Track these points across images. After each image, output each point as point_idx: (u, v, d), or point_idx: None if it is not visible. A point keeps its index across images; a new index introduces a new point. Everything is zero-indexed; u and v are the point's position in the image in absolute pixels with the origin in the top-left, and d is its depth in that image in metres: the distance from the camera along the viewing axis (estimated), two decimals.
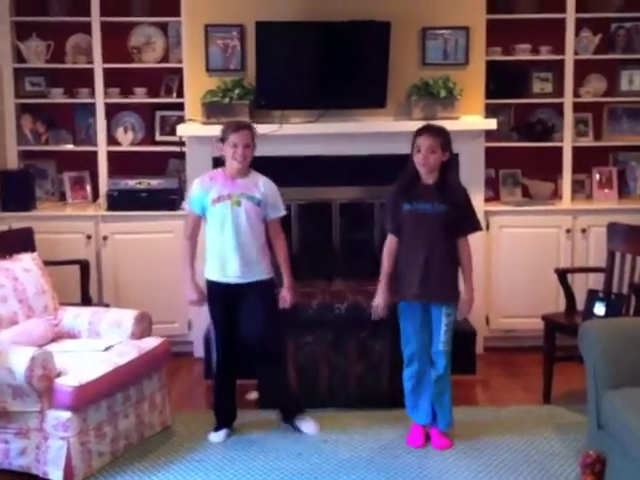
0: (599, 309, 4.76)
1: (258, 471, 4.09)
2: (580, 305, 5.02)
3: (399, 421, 4.50)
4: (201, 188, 4.38)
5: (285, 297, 4.45)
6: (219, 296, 4.40)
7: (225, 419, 4.52)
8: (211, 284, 4.41)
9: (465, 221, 4.26)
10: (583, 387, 3.98)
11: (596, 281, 5.33)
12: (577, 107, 6.01)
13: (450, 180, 4.28)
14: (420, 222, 4.19)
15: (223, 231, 4.31)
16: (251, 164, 4.39)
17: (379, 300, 4.28)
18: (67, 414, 3.92)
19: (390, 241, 4.30)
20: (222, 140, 4.35)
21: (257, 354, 4.46)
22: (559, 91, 6.01)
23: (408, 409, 4.39)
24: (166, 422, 4.58)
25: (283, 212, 4.48)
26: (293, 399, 4.61)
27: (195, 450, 4.33)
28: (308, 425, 4.52)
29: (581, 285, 5.41)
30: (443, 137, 4.22)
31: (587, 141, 6.14)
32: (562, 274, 5.22)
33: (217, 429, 4.48)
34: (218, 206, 4.31)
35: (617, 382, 3.72)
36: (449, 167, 4.25)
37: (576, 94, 5.98)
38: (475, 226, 4.32)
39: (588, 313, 4.79)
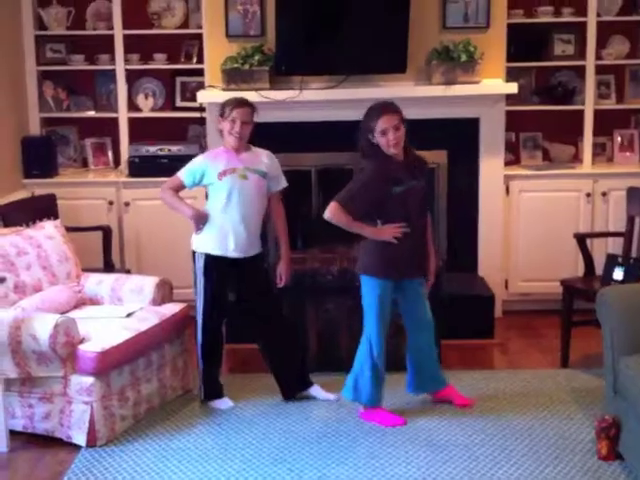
0: (618, 274, 4.76)
1: (276, 434, 4.16)
2: (599, 269, 5.02)
3: None
4: (204, 161, 4.37)
5: (281, 273, 4.49)
6: (218, 271, 4.38)
7: (220, 389, 4.52)
8: (209, 258, 4.37)
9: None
10: (600, 351, 4.00)
11: (615, 246, 5.33)
12: (599, 69, 5.95)
13: (413, 152, 4.21)
14: (411, 200, 4.13)
15: (229, 204, 4.31)
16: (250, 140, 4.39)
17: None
18: (90, 379, 4.00)
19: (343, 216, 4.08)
20: (222, 115, 4.35)
21: (269, 323, 4.50)
22: (581, 53, 5.95)
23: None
24: (187, 386, 4.66)
25: (285, 184, 4.53)
26: (306, 367, 4.62)
27: (216, 413, 4.41)
28: (319, 391, 4.56)
29: (600, 249, 5.42)
30: (399, 111, 4.13)
31: (609, 104, 6.07)
32: (581, 239, 5.21)
33: (218, 397, 4.50)
34: (225, 179, 4.30)
35: (634, 348, 3.73)
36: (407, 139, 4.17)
37: (598, 56, 5.92)
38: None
39: (606, 278, 4.79)
